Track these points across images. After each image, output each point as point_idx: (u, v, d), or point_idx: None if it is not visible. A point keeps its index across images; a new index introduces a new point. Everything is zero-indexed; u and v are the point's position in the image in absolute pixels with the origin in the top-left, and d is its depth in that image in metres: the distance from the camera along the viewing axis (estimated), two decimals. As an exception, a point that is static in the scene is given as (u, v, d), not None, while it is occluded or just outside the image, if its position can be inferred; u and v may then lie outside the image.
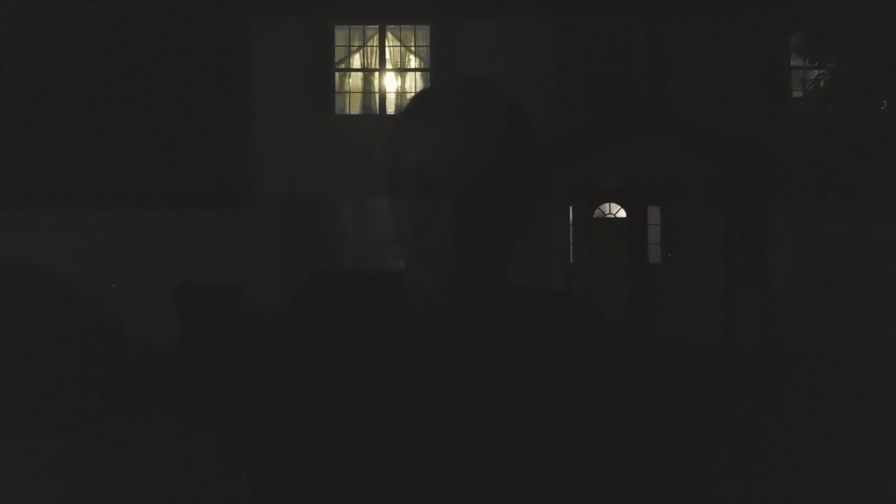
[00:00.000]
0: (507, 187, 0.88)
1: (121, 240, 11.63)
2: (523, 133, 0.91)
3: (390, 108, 12.41)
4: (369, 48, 12.48)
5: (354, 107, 12.53)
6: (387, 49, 12.46)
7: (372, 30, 12.43)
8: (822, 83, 11.00)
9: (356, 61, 12.52)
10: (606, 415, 0.94)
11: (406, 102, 0.95)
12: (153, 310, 11.18)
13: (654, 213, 12.61)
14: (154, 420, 6.50)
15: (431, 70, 12.34)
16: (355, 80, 12.56)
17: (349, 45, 12.47)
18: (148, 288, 11.40)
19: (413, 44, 12.49)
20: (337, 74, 12.42)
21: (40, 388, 7.73)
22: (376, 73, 12.48)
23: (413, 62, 12.58)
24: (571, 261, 12.17)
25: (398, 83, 12.57)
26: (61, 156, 11.13)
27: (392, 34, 12.46)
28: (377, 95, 12.45)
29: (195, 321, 10.89)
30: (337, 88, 12.41)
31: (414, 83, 12.52)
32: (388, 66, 12.49)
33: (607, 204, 12.73)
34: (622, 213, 12.72)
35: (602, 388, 0.94)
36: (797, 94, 12.03)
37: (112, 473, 4.92)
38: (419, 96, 0.94)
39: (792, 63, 12.13)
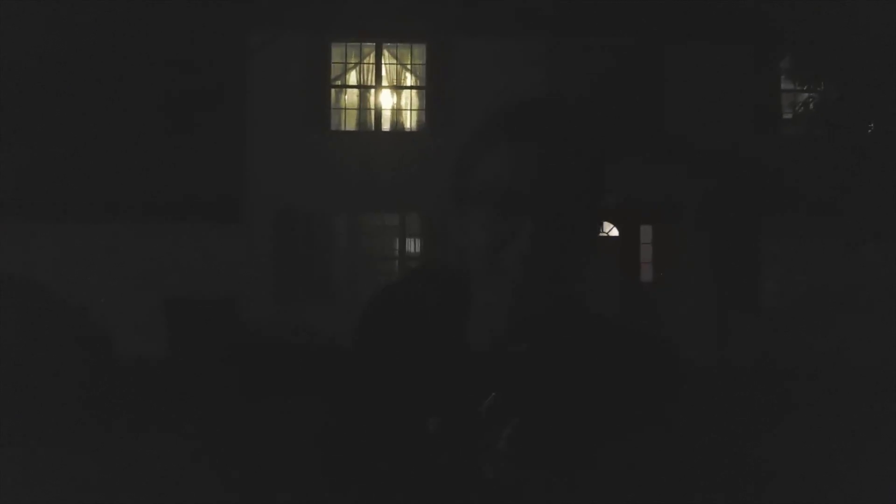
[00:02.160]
0: (583, 212, 0.88)
1: (112, 252, 11.52)
2: (596, 156, 0.92)
3: (385, 125, 12.45)
4: (365, 65, 12.53)
5: (350, 123, 12.56)
6: (383, 66, 12.52)
7: (368, 47, 12.49)
8: (811, 106, 11.21)
9: (352, 78, 12.57)
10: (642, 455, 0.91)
11: (483, 117, 0.93)
12: (144, 323, 11.05)
13: (646, 232, 12.70)
14: (142, 435, 6.40)
15: (427, 87, 12.40)
16: (351, 97, 12.60)
17: (345, 62, 12.51)
18: (139, 301, 11.28)
19: (409, 61, 12.56)
20: (333, 90, 12.46)
21: (32, 399, 7.59)
22: (372, 90, 12.53)
23: (409, 80, 12.64)
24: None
25: (394, 100, 12.62)
26: (53, 166, 11.04)
27: (388, 51, 12.53)
28: (372, 112, 12.49)
29: (186, 335, 10.79)
30: (333, 104, 12.44)
31: (409, 100, 12.57)
32: (384, 83, 12.55)
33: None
34: (615, 232, 12.80)
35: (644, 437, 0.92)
36: (787, 115, 12.21)
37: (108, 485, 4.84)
38: (498, 114, 0.93)
39: (782, 86, 12.33)
